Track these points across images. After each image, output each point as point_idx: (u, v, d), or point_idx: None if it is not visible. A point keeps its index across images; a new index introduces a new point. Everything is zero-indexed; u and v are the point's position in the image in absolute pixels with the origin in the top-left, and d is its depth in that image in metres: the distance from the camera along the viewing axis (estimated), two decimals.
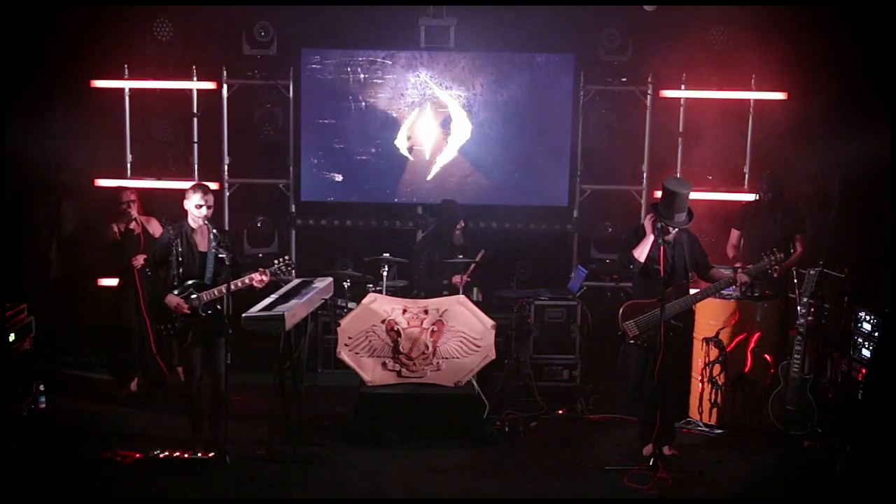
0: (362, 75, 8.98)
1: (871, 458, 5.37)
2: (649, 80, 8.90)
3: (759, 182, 7.90)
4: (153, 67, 8.76)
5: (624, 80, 8.97)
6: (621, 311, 6.52)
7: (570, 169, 9.09)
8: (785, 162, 8.46)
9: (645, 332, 6.40)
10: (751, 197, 8.05)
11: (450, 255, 7.97)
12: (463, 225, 8.16)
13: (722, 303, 7.19)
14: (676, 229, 6.41)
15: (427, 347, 6.96)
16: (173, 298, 6.28)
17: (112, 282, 8.01)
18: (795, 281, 7.03)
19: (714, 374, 7.19)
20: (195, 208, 6.33)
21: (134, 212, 7.66)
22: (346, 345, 6.99)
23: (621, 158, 9.05)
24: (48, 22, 8.19)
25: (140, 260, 7.40)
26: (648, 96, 8.93)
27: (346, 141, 9.08)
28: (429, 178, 9.14)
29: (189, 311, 6.28)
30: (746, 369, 7.17)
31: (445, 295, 7.61)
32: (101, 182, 8.73)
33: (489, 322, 7.06)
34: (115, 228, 7.69)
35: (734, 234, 7.89)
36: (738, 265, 6.84)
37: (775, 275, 6.53)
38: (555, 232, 9.22)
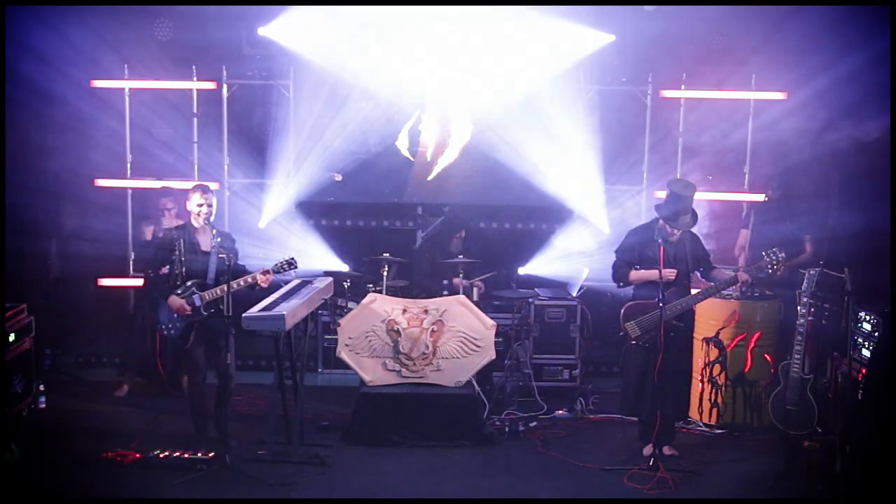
0: (363, 75, 8.97)
1: (871, 458, 5.37)
2: (649, 80, 8.90)
3: (768, 182, 7.90)
4: (153, 67, 8.77)
5: (624, 80, 8.97)
6: (622, 312, 6.52)
7: (570, 169, 9.08)
8: (784, 162, 8.46)
9: (647, 332, 6.39)
10: (751, 197, 8.06)
11: (451, 256, 7.99)
12: (463, 235, 8.17)
13: (722, 303, 7.19)
14: (680, 231, 6.42)
15: (427, 347, 6.96)
16: (176, 300, 6.30)
17: (116, 281, 8.03)
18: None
19: (714, 374, 7.20)
20: (196, 208, 6.38)
21: (167, 221, 7.63)
22: (347, 345, 7.00)
23: (621, 158, 9.05)
24: (48, 21, 8.19)
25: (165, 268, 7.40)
26: (648, 96, 8.93)
27: (346, 141, 9.07)
28: (429, 178, 9.14)
29: (191, 312, 6.30)
30: (746, 369, 7.19)
31: (445, 295, 7.61)
32: (101, 182, 8.74)
33: (489, 322, 7.06)
34: (150, 230, 7.73)
35: (742, 234, 7.88)
36: (740, 266, 6.85)
37: (778, 272, 6.52)
38: (555, 232, 9.22)
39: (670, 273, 6.31)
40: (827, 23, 8.02)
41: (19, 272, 8.14)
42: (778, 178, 7.74)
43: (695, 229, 6.63)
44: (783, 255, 6.41)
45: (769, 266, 6.37)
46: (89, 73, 8.64)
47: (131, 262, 8.63)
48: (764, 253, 6.46)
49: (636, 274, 6.50)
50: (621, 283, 6.62)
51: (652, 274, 6.34)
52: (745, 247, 7.88)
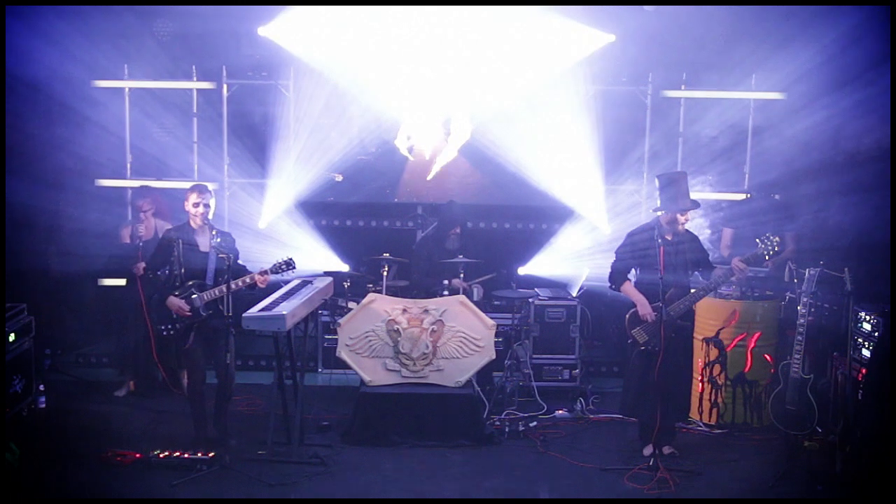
0: (362, 75, 8.97)
1: (870, 458, 5.37)
2: (649, 80, 8.90)
3: (761, 184, 7.92)
4: (153, 67, 8.77)
5: (624, 80, 8.97)
6: (627, 318, 6.52)
7: (570, 169, 9.08)
8: (784, 161, 8.47)
9: (654, 336, 6.37)
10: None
11: (449, 256, 7.99)
12: (458, 231, 8.16)
13: (722, 303, 7.19)
14: (682, 228, 6.42)
15: (427, 347, 6.96)
16: (175, 301, 6.30)
17: (116, 281, 8.03)
18: (796, 280, 7.02)
19: (714, 374, 7.20)
20: (193, 208, 6.39)
21: (143, 226, 7.61)
22: (347, 345, 7.00)
23: (621, 158, 9.06)
24: (49, 21, 8.19)
25: (140, 268, 7.36)
26: (648, 96, 8.94)
27: (346, 141, 9.08)
28: (429, 178, 9.14)
29: (190, 314, 6.30)
30: (746, 369, 7.19)
31: (445, 295, 7.61)
32: (102, 182, 8.74)
33: (489, 322, 7.06)
34: (126, 231, 7.73)
35: (727, 232, 7.90)
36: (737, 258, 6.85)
37: (768, 264, 6.52)
38: (555, 232, 9.22)
39: (651, 314, 6.37)
40: (827, 22, 8.02)
41: (19, 272, 8.14)
42: (762, 181, 7.78)
43: (696, 229, 6.63)
44: (777, 238, 6.40)
45: (766, 252, 6.35)
46: (90, 73, 8.65)
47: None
48: (758, 240, 6.42)
49: (628, 288, 6.55)
50: (613, 287, 6.64)
51: (640, 301, 6.41)
52: (730, 245, 7.90)
